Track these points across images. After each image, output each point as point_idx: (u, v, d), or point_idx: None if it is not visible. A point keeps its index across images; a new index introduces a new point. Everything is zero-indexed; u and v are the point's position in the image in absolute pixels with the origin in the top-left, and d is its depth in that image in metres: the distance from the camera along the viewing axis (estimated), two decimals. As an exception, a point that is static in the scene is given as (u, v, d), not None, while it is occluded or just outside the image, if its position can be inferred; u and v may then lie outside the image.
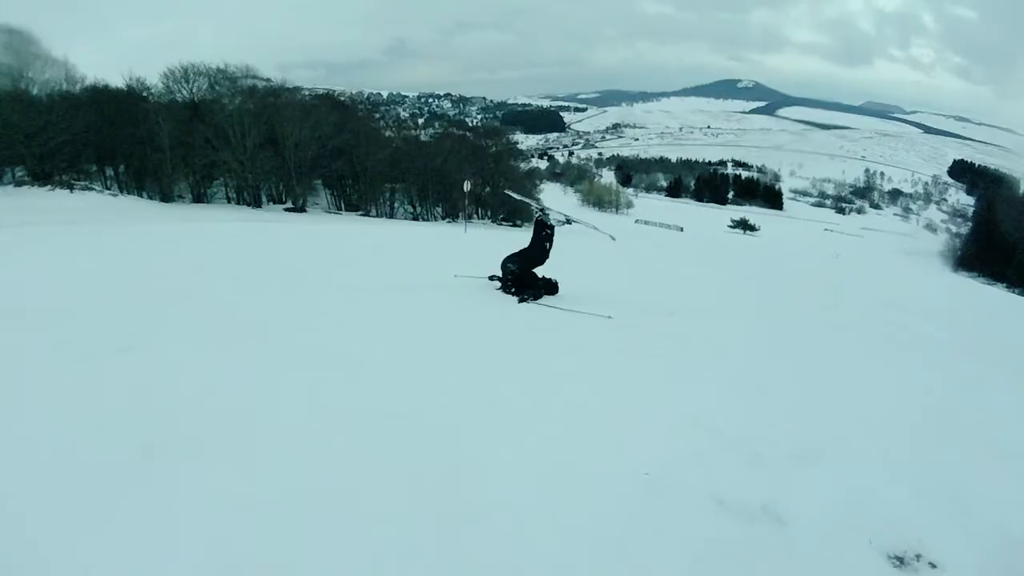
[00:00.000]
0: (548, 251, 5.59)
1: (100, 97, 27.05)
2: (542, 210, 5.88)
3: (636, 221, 50.72)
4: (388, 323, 4.35)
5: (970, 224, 62.30)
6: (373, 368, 3.30)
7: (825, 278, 13.44)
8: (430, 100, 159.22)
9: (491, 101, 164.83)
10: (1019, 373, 5.44)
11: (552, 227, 5.61)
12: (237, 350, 3.44)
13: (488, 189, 33.69)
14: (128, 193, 27.24)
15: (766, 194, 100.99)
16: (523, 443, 2.54)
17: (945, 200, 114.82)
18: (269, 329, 3.95)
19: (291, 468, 2.18)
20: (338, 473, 2.18)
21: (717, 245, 25.61)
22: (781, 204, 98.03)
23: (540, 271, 5.59)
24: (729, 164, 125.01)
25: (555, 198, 47.95)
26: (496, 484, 2.21)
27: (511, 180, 32.19)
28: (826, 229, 69.25)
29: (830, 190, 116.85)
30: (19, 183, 23.94)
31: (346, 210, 31.91)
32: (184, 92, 29.46)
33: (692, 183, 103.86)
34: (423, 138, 38.34)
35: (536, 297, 5.37)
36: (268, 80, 33.14)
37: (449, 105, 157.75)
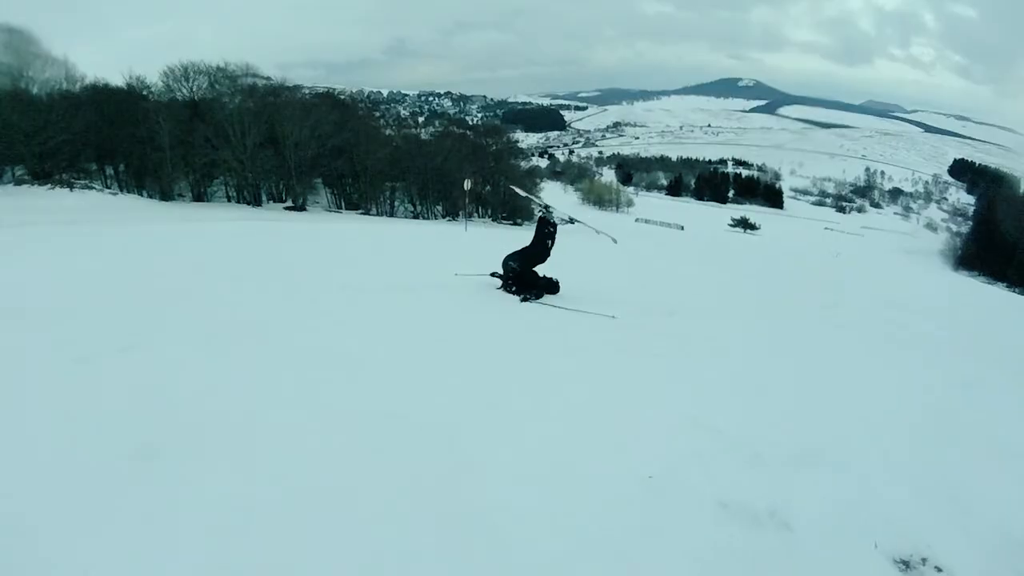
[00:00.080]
0: (550, 249, 5.59)
1: (100, 96, 27.08)
2: (545, 207, 5.88)
3: (636, 220, 50.78)
4: (388, 323, 4.35)
5: (970, 223, 62.41)
6: (373, 368, 3.30)
7: (825, 277, 13.46)
8: (430, 99, 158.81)
9: (491, 99, 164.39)
10: (1019, 372, 5.45)
11: (555, 224, 5.61)
12: (237, 350, 3.44)
13: (488, 188, 33.71)
14: (128, 192, 27.29)
15: (766, 193, 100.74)
16: (523, 443, 2.54)
17: (945, 199, 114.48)
18: (269, 329, 3.95)
19: (291, 468, 2.18)
20: (338, 473, 2.18)
21: (717, 244, 25.64)
22: (781, 203, 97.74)
23: (541, 270, 5.59)
24: (729, 163, 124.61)
25: (555, 196, 47.79)
26: (496, 484, 2.20)
27: (512, 179, 32.16)
28: (826, 228, 69.18)
29: (830, 189, 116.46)
30: (19, 182, 24.01)
31: (346, 209, 31.91)
32: (184, 91, 29.51)
33: (692, 182, 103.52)
34: (423, 137, 38.42)
35: (538, 296, 5.37)
36: (268, 79, 33.22)
37: (449, 103, 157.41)
